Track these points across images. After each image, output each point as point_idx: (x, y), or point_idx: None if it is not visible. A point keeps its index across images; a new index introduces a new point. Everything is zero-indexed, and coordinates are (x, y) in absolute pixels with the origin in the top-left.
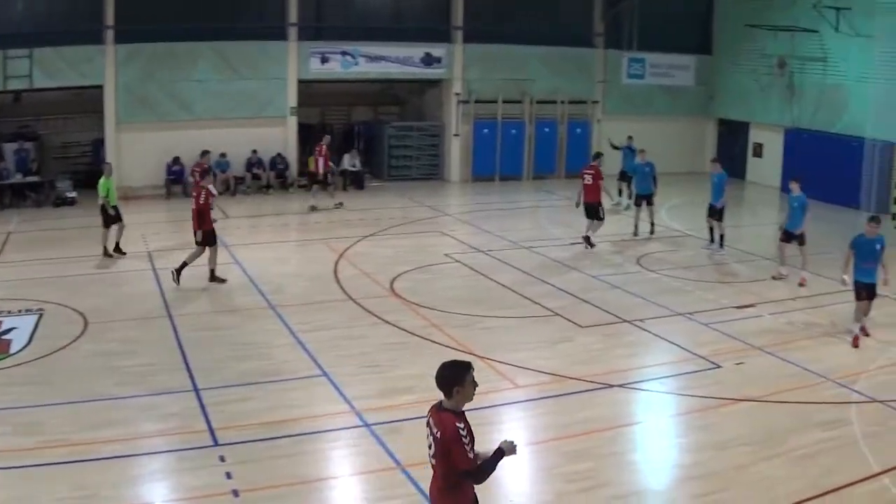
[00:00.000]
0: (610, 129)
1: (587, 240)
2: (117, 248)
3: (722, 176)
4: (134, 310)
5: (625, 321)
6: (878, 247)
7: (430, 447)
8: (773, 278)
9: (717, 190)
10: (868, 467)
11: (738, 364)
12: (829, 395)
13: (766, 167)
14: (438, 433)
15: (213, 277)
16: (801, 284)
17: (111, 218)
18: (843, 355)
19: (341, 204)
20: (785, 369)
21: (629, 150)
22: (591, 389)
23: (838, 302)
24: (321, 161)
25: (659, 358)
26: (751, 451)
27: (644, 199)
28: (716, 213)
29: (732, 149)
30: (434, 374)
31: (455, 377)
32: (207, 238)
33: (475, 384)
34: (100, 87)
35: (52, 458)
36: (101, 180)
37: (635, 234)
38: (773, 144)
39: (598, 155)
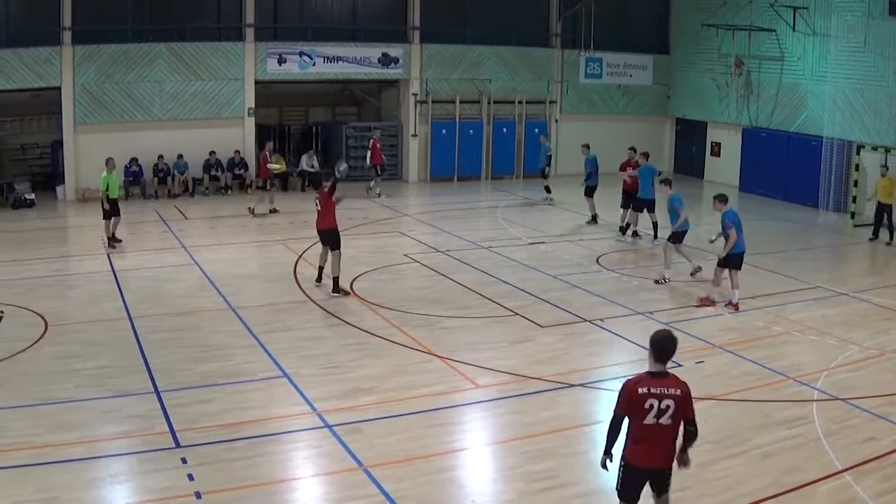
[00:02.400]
0: (567, 129)
1: (635, 233)
2: (113, 237)
3: (649, 169)
4: (94, 312)
5: (585, 320)
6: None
7: (659, 413)
8: (656, 282)
9: (647, 183)
10: (830, 465)
11: (698, 363)
12: (791, 393)
13: (724, 166)
14: (680, 391)
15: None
16: (657, 281)
17: (107, 211)
18: (803, 353)
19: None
20: (745, 367)
21: (544, 149)
22: (552, 389)
23: (798, 301)
24: (378, 153)
25: (619, 357)
26: (713, 449)
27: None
28: (649, 206)
29: (690, 148)
30: (394, 370)
31: (675, 349)
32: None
33: None
34: (57, 89)
35: (14, 460)
36: (103, 174)
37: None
38: (731, 143)
39: (632, 150)
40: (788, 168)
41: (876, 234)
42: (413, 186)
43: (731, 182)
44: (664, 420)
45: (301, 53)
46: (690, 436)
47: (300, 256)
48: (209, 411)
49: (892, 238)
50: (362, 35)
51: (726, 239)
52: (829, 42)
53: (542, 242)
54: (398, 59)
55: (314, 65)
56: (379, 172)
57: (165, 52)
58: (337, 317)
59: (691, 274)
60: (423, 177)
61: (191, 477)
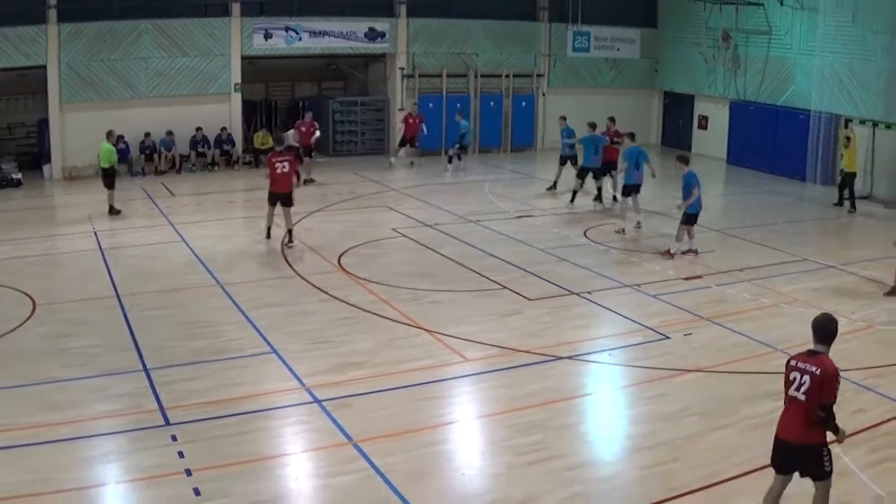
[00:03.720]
0: (555, 102)
1: (614, 198)
2: (111, 209)
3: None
4: (82, 290)
5: (573, 293)
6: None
7: (798, 386)
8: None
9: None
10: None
11: (686, 335)
12: (779, 364)
13: (712, 139)
14: (818, 371)
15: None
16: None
17: (106, 180)
18: (790, 325)
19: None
20: (733, 339)
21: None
22: (541, 362)
23: (785, 273)
24: (412, 128)
25: (607, 330)
26: (701, 421)
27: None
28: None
29: (677, 121)
30: (384, 346)
31: (836, 332)
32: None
33: None
34: (43, 68)
35: (4, 441)
36: (103, 145)
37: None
38: (719, 117)
39: (610, 120)
40: (776, 141)
41: (841, 202)
42: (400, 160)
43: (718, 155)
44: (800, 395)
45: (287, 28)
46: (818, 419)
47: (288, 232)
48: (198, 388)
49: (854, 206)
50: (349, 9)
51: (687, 197)
52: (817, 16)
53: (530, 216)
54: (384, 34)
55: (300, 40)
56: (407, 144)
57: (151, 28)
58: (325, 292)
59: (616, 231)
60: (409, 152)
61: (181, 454)
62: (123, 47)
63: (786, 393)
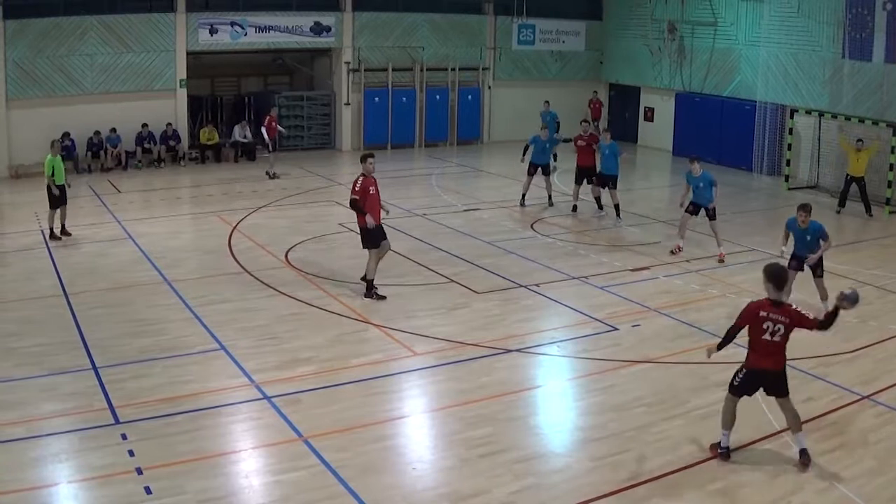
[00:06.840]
0: (500, 95)
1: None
2: (63, 231)
3: (614, 145)
4: (29, 289)
5: (521, 286)
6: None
7: (772, 332)
8: (672, 252)
9: (614, 159)
10: (769, 425)
11: (634, 326)
12: (727, 354)
13: (658, 131)
14: (788, 320)
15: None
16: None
17: (56, 199)
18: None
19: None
20: (681, 330)
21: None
22: (490, 355)
23: (733, 263)
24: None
25: (556, 322)
26: (651, 411)
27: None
28: (612, 181)
29: (623, 113)
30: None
31: (787, 278)
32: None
33: None
34: None
35: None
36: (47, 157)
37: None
38: (665, 108)
39: (585, 122)
40: (722, 132)
41: (843, 204)
42: (346, 155)
43: (664, 147)
44: (776, 338)
45: (233, 23)
46: (823, 328)
47: (234, 227)
48: (147, 386)
49: (869, 210)
50: (294, 4)
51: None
52: (762, 7)
53: (477, 209)
54: (330, 28)
55: (246, 35)
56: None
57: (96, 24)
58: (272, 288)
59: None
60: (356, 145)
61: (131, 453)
62: (69, 43)
63: (756, 336)
